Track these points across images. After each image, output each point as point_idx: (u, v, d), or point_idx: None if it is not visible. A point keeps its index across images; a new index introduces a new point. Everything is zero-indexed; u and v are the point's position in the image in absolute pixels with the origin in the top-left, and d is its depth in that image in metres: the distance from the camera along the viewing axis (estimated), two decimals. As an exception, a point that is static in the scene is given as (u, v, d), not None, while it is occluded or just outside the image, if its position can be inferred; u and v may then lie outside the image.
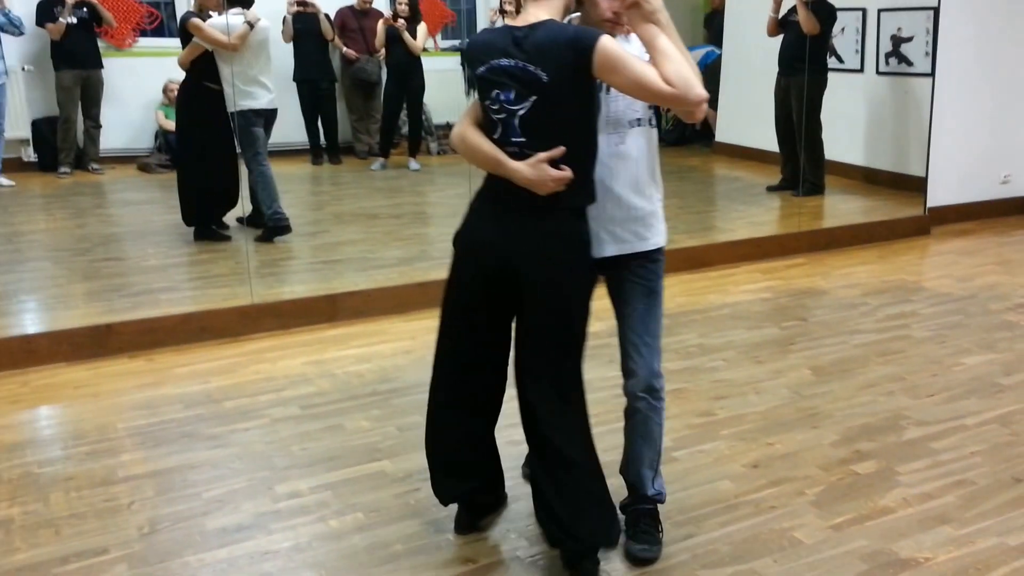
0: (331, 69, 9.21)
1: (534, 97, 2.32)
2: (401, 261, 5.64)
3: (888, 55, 8.05)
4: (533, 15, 2.37)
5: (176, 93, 6.41)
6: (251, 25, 5.88)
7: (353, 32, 9.24)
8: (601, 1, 2.42)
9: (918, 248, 6.45)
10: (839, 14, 7.46)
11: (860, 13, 8.16)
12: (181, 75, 6.11)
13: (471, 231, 2.56)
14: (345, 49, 9.23)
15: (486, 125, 2.47)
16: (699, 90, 2.22)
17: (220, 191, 6.16)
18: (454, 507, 2.97)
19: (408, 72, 8.70)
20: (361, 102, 9.56)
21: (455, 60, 9.08)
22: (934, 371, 4.17)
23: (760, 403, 3.83)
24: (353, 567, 2.75)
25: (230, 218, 6.35)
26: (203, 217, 6.17)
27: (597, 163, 2.48)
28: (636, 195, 2.56)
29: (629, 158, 2.54)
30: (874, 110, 8.09)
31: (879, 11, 8.01)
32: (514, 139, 2.39)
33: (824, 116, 7.39)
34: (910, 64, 7.82)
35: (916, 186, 7.10)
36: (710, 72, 10.15)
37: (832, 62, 7.53)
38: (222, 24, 5.80)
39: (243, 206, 6.25)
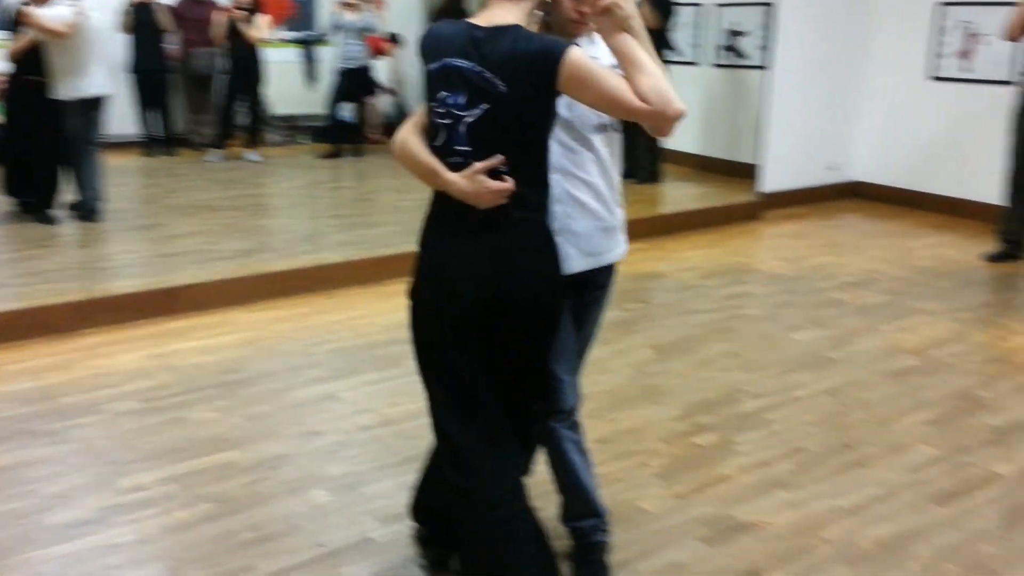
0: (166, 60, 8.99)
1: (486, 105, 2.08)
2: (242, 253, 5.53)
3: (723, 48, 8.46)
4: (499, 16, 2.12)
5: (5, 86, 6.22)
6: (80, 14, 5.89)
7: (192, 23, 9.03)
8: (565, 1, 2.20)
9: (751, 232, 6.81)
10: (677, 8, 7.77)
11: (697, 8, 8.53)
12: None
13: (437, 267, 2.21)
14: (179, 41, 9.02)
15: (430, 130, 2.22)
16: (677, 105, 2.02)
17: (46, 178, 6.19)
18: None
19: (247, 63, 8.58)
20: (197, 93, 9.35)
21: (295, 52, 9.04)
22: (767, 347, 4.42)
23: (605, 382, 3.98)
24: (202, 557, 2.71)
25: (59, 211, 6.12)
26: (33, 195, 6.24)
27: (560, 172, 2.28)
28: (601, 204, 2.37)
29: (594, 165, 2.34)
30: (709, 101, 8.48)
31: (718, 6, 8.40)
32: (458, 147, 2.14)
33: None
34: (744, 57, 8.24)
35: (748, 173, 7.49)
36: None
37: (669, 55, 7.82)
38: (54, 13, 5.80)
39: (72, 195, 6.07)
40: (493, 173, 2.11)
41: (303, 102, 10.01)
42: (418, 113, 2.29)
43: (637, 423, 3.61)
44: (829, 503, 3.04)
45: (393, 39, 10.04)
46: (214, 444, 3.40)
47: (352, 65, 9.06)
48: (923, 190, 7.33)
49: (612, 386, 3.94)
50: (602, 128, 2.33)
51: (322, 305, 4.97)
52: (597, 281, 2.47)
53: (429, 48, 2.18)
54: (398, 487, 3.11)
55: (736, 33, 8.31)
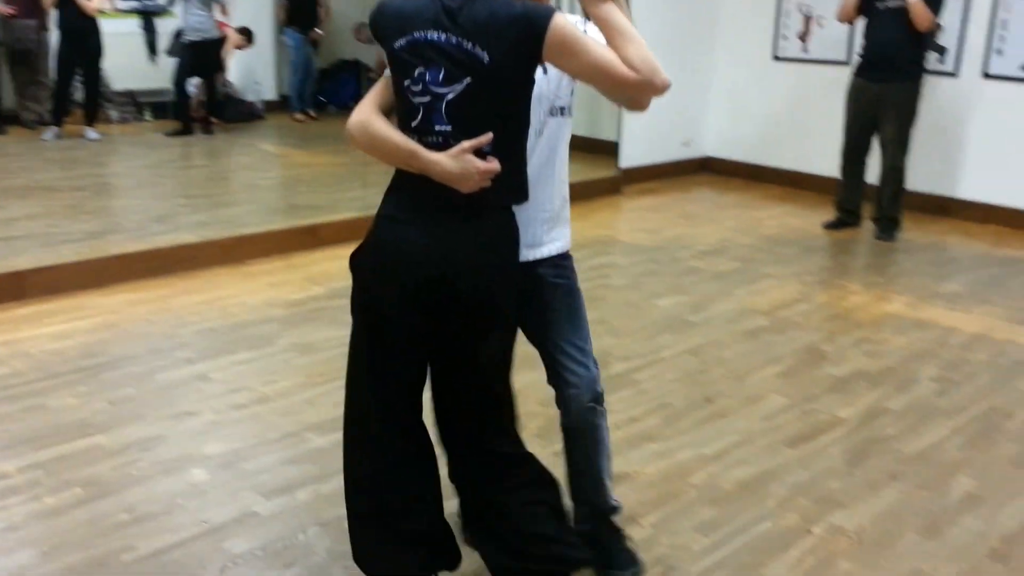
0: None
1: (468, 80, 1.95)
2: (91, 235, 5.40)
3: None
4: None
5: None
6: None
7: (14, -8, 8.62)
8: None
9: (612, 205, 7.10)
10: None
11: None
12: None
13: (388, 242, 2.11)
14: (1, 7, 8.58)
15: (400, 110, 2.08)
16: (664, 75, 1.94)
17: None
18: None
19: (82, 35, 8.21)
20: (22, 68, 8.92)
21: (136, 22, 8.71)
22: (633, 313, 4.67)
23: (479, 351, 4.13)
24: (77, 540, 2.71)
25: None
26: None
27: None
28: (550, 192, 2.30)
29: (547, 150, 2.26)
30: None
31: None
32: (438, 127, 2.00)
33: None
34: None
35: (609, 150, 7.77)
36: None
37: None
38: None
39: None
40: (478, 153, 2.00)
41: (146, 77, 9.71)
42: (373, 93, 2.14)
43: (516, 388, 3.76)
44: (694, 451, 3.29)
45: (245, 34, 9.79)
46: (79, 429, 3.37)
47: (197, 37, 8.83)
48: (768, 164, 7.79)
49: (484, 354, 4.09)
50: (559, 111, 2.24)
51: (183, 287, 4.93)
52: (542, 271, 2.35)
53: (389, 25, 2.03)
54: (280, 462, 3.17)
55: (589, 11, 8.56)
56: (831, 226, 6.35)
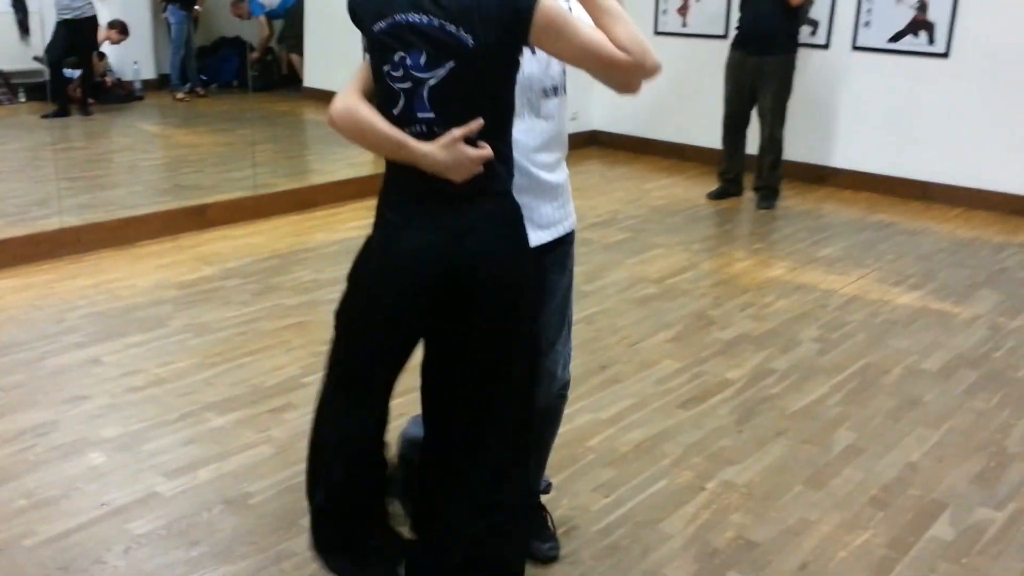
0: None
1: (451, 64, 1.87)
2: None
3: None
4: None
5: None
6: None
7: None
8: None
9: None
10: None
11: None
12: None
13: (392, 248, 2.02)
14: None
15: (381, 97, 1.98)
16: (654, 57, 1.89)
17: None
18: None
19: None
20: None
21: (5, 0, 8.21)
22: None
23: (378, 326, 4.14)
24: (-26, 529, 2.65)
25: None
26: None
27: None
28: (553, 173, 2.23)
29: (552, 130, 2.20)
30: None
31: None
32: (420, 114, 1.92)
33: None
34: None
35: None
36: (292, 17, 10.28)
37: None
38: None
39: None
40: (467, 139, 1.92)
41: (18, 57, 9.29)
42: (355, 77, 2.03)
43: (413, 362, 3.79)
44: (591, 416, 3.39)
45: (117, 27, 9.42)
46: (-32, 418, 3.27)
47: (70, 15, 8.49)
48: (653, 137, 7.95)
49: (383, 330, 4.11)
50: (553, 91, 2.16)
51: (69, 271, 4.79)
52: (552, 254, 2.28)
53: (367, 7, 1.93)
54: (180, 442, 3.15)
55: None
56: (715, 196, 6.54)
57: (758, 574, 2.54)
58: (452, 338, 2.07)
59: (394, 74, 1.92)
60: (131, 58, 9.97)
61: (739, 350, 3.99)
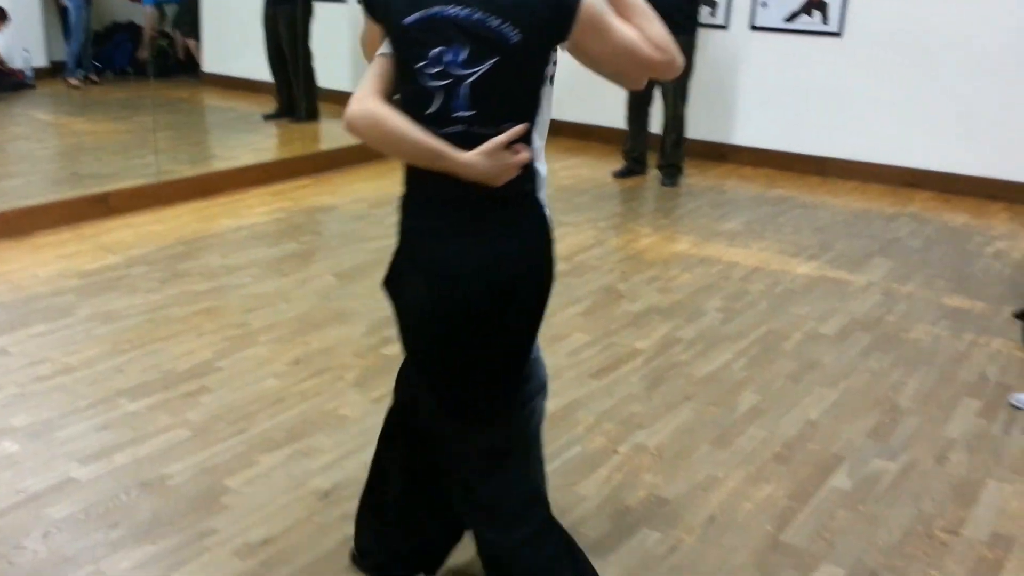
0: None
1: (495, 59, 1.80)
2: None
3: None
4: None
5: None
6: None
7: None
8: None
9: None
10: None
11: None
12: None
13: (426, 262, 1.97)
14: None
15: (409, 96, 1.89)
16: (679, 54, 1.91)
17: None
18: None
19: None
20: None
21: None
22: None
23: (291, 310, 4.18)
24: None
25: None
26: None
27: None
28: (542, 163, 2.08)
29: (544, 122, 2.04)
30: (357, 38, 8.69)
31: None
32: (458, 113, 1.84)
33: (314, 45, 7.81)
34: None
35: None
36: (188, 1, 10.10)
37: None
38: None
39: None
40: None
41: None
42: (372, 76, 1.92)
43: (328, 343, 3.85)
44: (506, 389, 3.48)
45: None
46: None
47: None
48: (558, 118, 8.06)
49: (299, 313, 4.14)
50: (551, 80, 2.02)
51: (-35, 262, 4.69)
52: None
53: (388, 1, 1.87)
54: (93, 428, 3.14)
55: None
56: (620, 175, 6.71)
57: (669, 528, 2.67)
58: (474, 339, 2.00)
59: (430, 71, 1.83)
60: (21, 45, 9.67)
61: (647, 321, 4.14)
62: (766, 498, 2.84)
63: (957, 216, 5.85)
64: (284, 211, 5.70)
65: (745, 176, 6.82)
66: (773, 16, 6.83)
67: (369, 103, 1.87)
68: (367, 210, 5.77)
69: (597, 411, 3.34)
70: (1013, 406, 3.44)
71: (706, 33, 6.82)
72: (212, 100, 9.35)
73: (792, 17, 6.75)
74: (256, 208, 5.73)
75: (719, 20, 7.00)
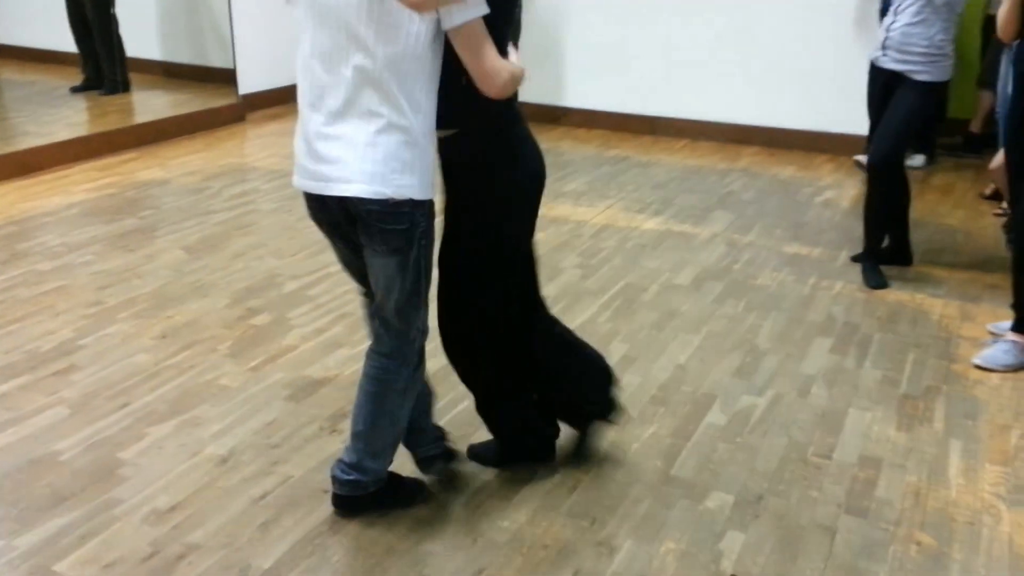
0: None
1: None
2: None
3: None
4: None
5: None
6: None
7: None
8: None
9: (239, 134, 7.12)
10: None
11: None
12: None
13: (536, 156, 2.64)
14: None
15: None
16: None
17: None
18: None
19: None
20: None
21: None
22: (290, 236, 4.86)
23: (146, 285, 4.15)
24: None
25: None
26: None
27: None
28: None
29: None
30: (169, 4, 8.47)
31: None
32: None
33: (120, 12, 7.57)
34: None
35: (222, 77, 7.73)
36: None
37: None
38: None
39: None
40: None
41: None
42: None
43: (192, 316, 3.87)
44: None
45: None
46: None
47: None
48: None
49: (155, 288, 4.12)
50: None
51: None
52: None
53: None
54: None
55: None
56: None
57: (566, 468, 2.90)
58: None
59: None
60: None
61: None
62: (650, 438, 3.11)
63: (785, 169, 6.33)
64: (115, 186, 5.57)
65: (580, 138, 7.14)
66: (599, -23, 7.13)
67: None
68: (202, 183, 5.71)
69: (479, 367, 3.52)
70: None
71: (534, -3, 7.06)
72: (9, 73, 8.86)
73: (618, -21, 7.08)
74: (84, 184, 5.57)
75: (546, -18, 7.25)
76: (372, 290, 2.51)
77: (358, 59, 2.23)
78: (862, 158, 5.79)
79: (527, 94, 6.97)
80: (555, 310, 3.96)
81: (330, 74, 2.27)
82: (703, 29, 6.90)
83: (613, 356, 3.65)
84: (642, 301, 4.19)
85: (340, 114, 2.29)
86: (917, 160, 6.23)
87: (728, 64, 6.90)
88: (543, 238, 4.81)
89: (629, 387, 3.41)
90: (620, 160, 6.54)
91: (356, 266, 2.55)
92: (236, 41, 7.50)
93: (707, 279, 4.45)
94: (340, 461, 2.61)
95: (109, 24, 7.65)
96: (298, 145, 2.41)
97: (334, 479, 2.61)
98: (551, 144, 6.91)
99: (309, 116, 2.34)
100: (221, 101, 7.48)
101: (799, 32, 6.65)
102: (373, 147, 2.28)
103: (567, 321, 3.88)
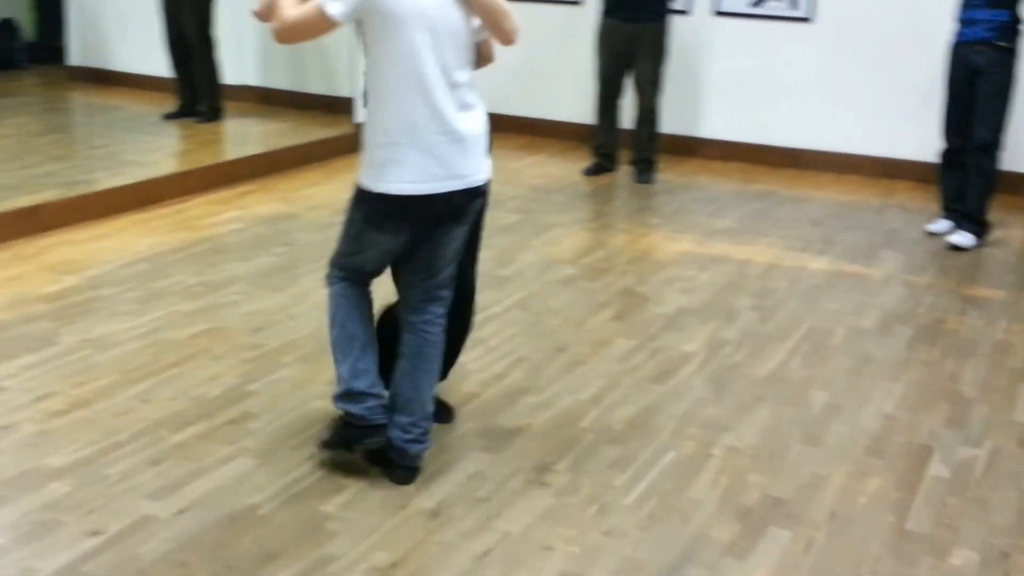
0: None
1: None
2: None
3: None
4: None
5: None
6: None
7: None
8: None
9: (355, 164, 7.30)
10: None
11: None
12: None
13: None
14: None
15: None
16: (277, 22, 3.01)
17: None
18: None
19: None
20: None
21: None
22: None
23: (303, 327, 4.33)
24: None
25: None
26: None
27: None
28: None
29: None
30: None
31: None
32: None
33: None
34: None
35: (321, 104, 8.01)
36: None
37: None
38: None
39: None
40: None
41: None
42: None
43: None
44: (571, 399, 3.76)
45: None
46: None
47: None
48: (505, 113, 8.35)
49: (313, 329, 4.26)
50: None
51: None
52: None
53: None
54: (148, 461, 3.26)
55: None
56: (591, 172, 7.05)
57: (796, 526, 3.01)
58: None
59: None
60: None
61: (684, 323, 4.48)
62: (876, 491, 3.21)
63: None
64: (240, 221, 5.81)
65: (717, 171, 7.27)
66: (738, 1, 7.31)
67: None
68: (331, 217, 5.88)
69: (674, 416, 3.65)
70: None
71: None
72: (89, 98, 9.24)
73: (760, 1, 7.25)
74: (207, 219, 5.81)
75: (680, 5, 7.42)
76: (407, 276, 3.18)
77: (459, 64, 2.97)
78: (934, 227, 5.88)
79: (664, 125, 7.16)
80: (741, 354, 4.15)
81: (448, 84, 2.94)
82: (852, 57, 7.02)
83: (815, 405, 3.76)
84: (831, 346, 4.28)
85: (457, 115, 2.96)
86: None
87: (877, 94, 7.00)
88: (709, 279, 4.96)
89: (839, 437, 3.52)
90: (767, 195, 6.66)
91: (391, 256, 3.15)
92: (358, 70, 7.73)
93: (894, 323, 4.54)
94: (404, 428, 3.14)
95: (210, 48, 7.97)
96: (412, 157, 2.95)
97: (404, 452, 3.16)
98: (688, 177, 7.06)
99: (427, 125, 2.93)
100: (328, 129, 7.71)
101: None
102: (479, 137, 3.06)
103: (756, 367, 4.05)
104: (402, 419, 3.14)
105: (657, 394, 3.82)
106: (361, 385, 3.12)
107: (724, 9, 7.38)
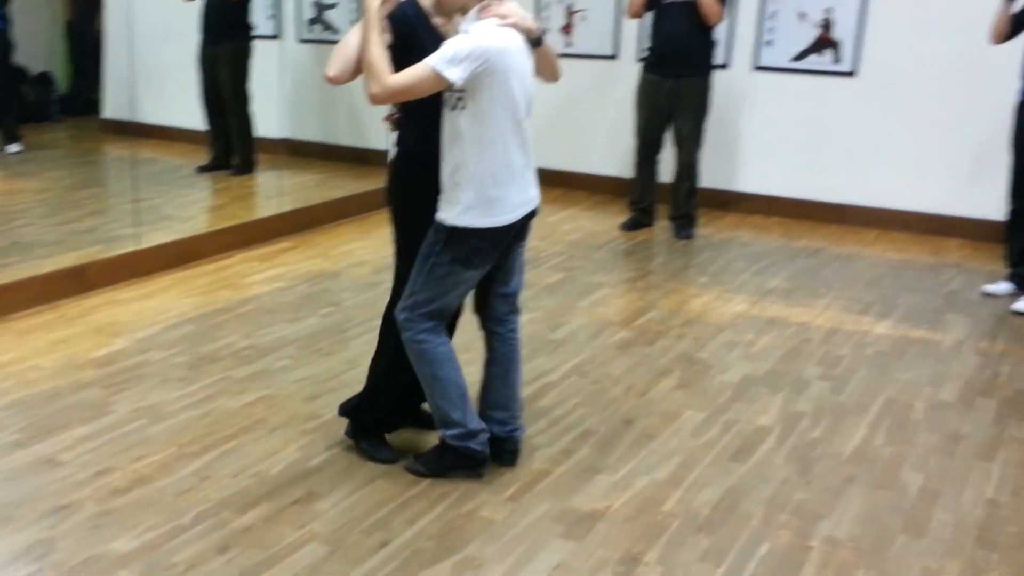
0: None
1: None
2: None
3: (311, 21, 8.62)
4: None
5: None
6: None
7: None
8: None
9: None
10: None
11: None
12: None
13: None
14: None
15: None
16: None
17: None
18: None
19: None
20: None
21: None
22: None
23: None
24: None
25: None
26: None
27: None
28: None
29: None
30: (298, 80, 8.57)
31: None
32: None
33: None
34: (336, 31, 8.48)
35: (350, 156, 7.81)
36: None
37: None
38: None
39: None
40: None
41: None
42: None
43: (421, 433, 3.76)
44: (648, 478, 3.48)
45: None
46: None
47: None
48: (540, 166, 8.13)
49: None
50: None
51: (-58, 354, 4.38)
52: None
53: None
54: (213, 549, 2.99)
55: (324, 6, 8.52)
56: (628, 227, 6.80)
57: (915, 630, 2.71)
58: None
59: None
60: None
61: (753, 394, 4.20)
62: (994, 588, 2.92)
63: (1001, 266, 6.07)
64: (283, 279, 5.55)
65: (758, 226, 7.02)
66: (779, 55, 7.09)
67: None
68: (374, 275, 5.66)
69: (761, 500, 3.36)
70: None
71: (707, 74, 7.01)
72: (121, 150, 9.01)
73: (801, 56, 7.03)
74: (250, 277, 5.56)
75: (719, 59, 7.20)
76: (492, 296, 3.48)
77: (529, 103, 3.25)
78: (993, 288, 5.61)
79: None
80: (820, 429, 3.87)
81: (527, 122, 3.23)
82: (897, 111, 6.80)
83: (910, 488, 3.48)
84: (914, 421, 4.00)
85: (530, 145, 3.27)
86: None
87: (923, 148, 6.77)
88: (769, 343, 4.68)
89: (944, 527, 3.23)
90: (814, 252, 6.40)
91: (471, 289, 3.40)
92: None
93: (975, 395, 4.26)
94: (502, 422, 3.51)
95: (245, 102, 7.79)
96: (513, 189, 3.22)
97: (509, 439, 3.53)
98: (729, 232, 6.81)
99: (522, 161, 3.23)
100: (359, 182, 7.47)
101: (1002, 114, 6.49)
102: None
103: (838, 444, 3.76)
104: (500, 415, 3.49)
105: (739, 475, 3.53)
106: (475, 424, 3.39)
107: (764, 64, 7.16)
